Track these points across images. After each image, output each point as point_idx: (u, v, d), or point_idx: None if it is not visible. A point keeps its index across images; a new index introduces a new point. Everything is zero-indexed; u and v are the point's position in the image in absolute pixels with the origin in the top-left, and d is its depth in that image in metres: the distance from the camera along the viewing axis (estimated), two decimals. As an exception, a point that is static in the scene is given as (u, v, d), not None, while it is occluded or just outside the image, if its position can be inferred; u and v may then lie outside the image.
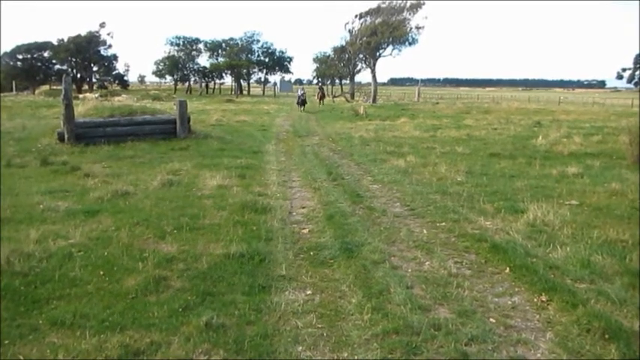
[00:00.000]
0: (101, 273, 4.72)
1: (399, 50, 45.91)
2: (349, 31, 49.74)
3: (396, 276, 4.78)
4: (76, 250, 5.29)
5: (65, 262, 4.97)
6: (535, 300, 4.31)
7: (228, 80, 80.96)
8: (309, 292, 4.51)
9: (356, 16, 47.99)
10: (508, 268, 4.99)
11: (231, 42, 75.25)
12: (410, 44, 45.41)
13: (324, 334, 3.74)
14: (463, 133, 18.63)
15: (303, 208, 7.54)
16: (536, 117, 27.76)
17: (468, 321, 3.89)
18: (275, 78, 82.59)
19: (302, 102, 34.28)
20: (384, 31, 43.31)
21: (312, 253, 5.50)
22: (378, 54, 46.32)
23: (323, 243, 5.84)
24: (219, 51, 75.80)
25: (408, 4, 43.67)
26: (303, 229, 6.48)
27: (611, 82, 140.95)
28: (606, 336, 3.62)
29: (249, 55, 75.21)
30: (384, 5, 44.89)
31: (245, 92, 74.98)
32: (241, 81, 76.93)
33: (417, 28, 44.57)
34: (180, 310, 4.02)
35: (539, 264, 5.06)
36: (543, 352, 3.50)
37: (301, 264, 5.19)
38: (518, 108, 39.15)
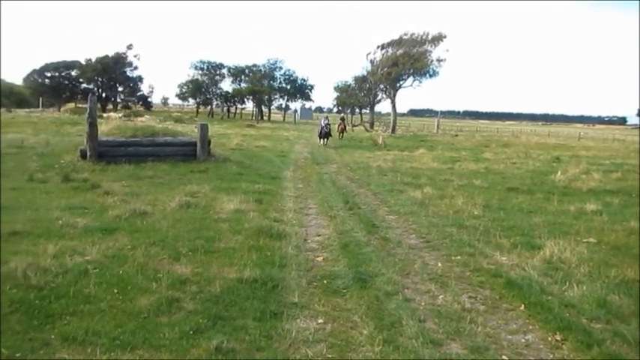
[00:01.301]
0: (115, 291, 4.77)
1: (420, 82, 46.29)
2: (371, 61, 50.45)
3: (409, 308, 4.75)
4: (92, 267, 5.36)
5: (80, 278, 5.04)
6: (549, 339, 4.24)
7: (249, 105, 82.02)
8: (320, 320, 4.49)
9: (378, 47, 48.68)
10: (523, 305, 4.93)
11: (255, 68, 76.44)
12: (431, 76, 45.79)
13: (334, 365, 3.72)
14: (481, 166, 18.56)
15: (319, 235, 7.55)
16: (555, 152, 27.55)
17: (481, 358, 3.84)
18: (296, 105, 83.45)
19: (325, 134, 27.40)
20: (405, 63, 43.74)
21: (325, 282, 5.49)
22: (398, 85, 46.69)
23: (337, 272, 5.83)
24: (242, 76, 76.98)
25: (430, 37, 44.18)
26: (318, 256, 6.48)
27: (632, 118, 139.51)
28: (621, 380, 3.54)
29: (272, 82, 76.24)
30: (405, 37, 45.48)
31: (265, 118, 75.82)
32: (262, 107, 77.88)
33: (438, 60, 45.00)
34: (191, 332, 4.04)
35: (554, 302, 4.98)
36: (556, 394, 3.43)
37: (314, 292, 5.18)
38: (538, 142, 38.94)
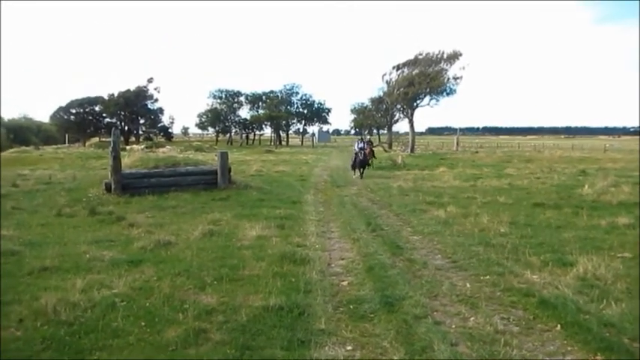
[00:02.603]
0: (142, 324, 4.74)
1: (437, 100, 46.16)
2: (387, 82, 50.62)
3: (440, 332, 4.61)
4: (119, 300, 5.36)
5: (108, 312, 5.03)
6: (590, 360, 4.06)
7: (267, 131, 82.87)
8: (349, 347, 4.39)
9: (393, 68, 48.88)
10: (559, 325, 4.76)
11: (271, 94, 77.49)
12: (448, 94, 45.66)
13: (366, 393, 3.61)
14: (504, 182, 18.30)
15: (342, 259, 7.46)
16: (580, 165, 27.09)
17: (518, 382, 3.68)
18: (313, 128, 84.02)
19: (360, 162, 21.23)
20: (422, 82, 43.77)
21: (351, 307, 5.39)
22: (415, 104, 46.68)
23: (363, 296, 5.73)
24: (260, 103, 78.05)
25: (445, 55, 44.23)
26: (343, 281, 6.39)
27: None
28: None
29: (289, 107, 77.08)
30: (421, 57, 45.61)
31: (284, 143, 76.41)
32: (280, 132, 78.58)
33: (455, 78, 44.91)
34: (219, 364, 3.97)
35: (592, 321, 4.79)
36: (602, 419, 3.26)
37: (341, 318, 5.08)
38: (562, 156, 38.34)
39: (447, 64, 44.22)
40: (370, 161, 23.38)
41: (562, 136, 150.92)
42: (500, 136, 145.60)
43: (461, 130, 65.46)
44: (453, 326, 4.80)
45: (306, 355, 4.16)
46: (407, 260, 7.27)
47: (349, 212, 11.90)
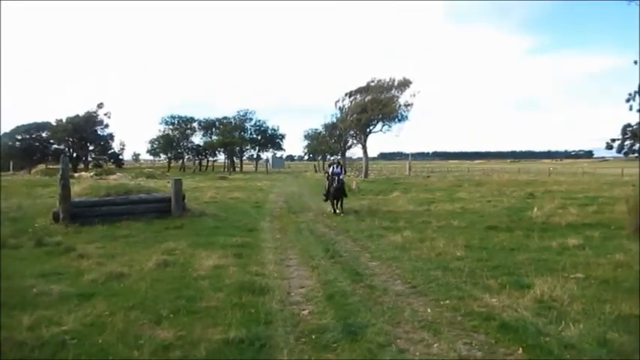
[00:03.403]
0: (93, 364, 4.46)
1: (389, 126, 47.04)
2: (340, 108, 51.26)
3: (405, 360, 4.55)
4: (70, 338, 5.04)
5: (58, 350, 4.73)
6: (553, 384, 4.08)
7: (221, 157, 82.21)
8: (313, 380, 4.25)
9: (346, 94, 49.60)
10: (521, 349, 4.79)
11: (225, 120, 77.16)
12: (399, 120, 46.61)
13: None
14: (457, 206, 18.67)
15: (302, 287, 7.33)
16: (528, 188, 28.01)
17: (486, 410, 3.65)
18: (267, 154, 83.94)
19: (336, 191, 17.18)
20: (374, 108, 44.58)
21: (314, 337, 5.26)
22: (368, 130, 47.41)
23: (325, 325, 5.61)
24: (213, 129, 77.50)
25: (396, 83, 45.30)
26: (303, 310, 6.25)
27: (599, 151, 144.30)
28: None
29: (242, 133, 76.82)
30: (373, 84, 46.55)
31: (238, 169, 75.83)
32: (234, 158, 78.06)
33: (406, 105, 45.96)
34: (178, 404, 3.76)
35: (552, 343, 4.86)
36: None
37: (304, 349, 4.95)
38: (510, 180, 39.64)
39: (398, 91, 45.30)
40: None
41: (508, 160, 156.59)
42: (450, 161, 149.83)
43: (412, 155, 66.75)
44: (417, 354, 4.76)
45: (270, 391, 4.00)
46: (367, 287, 7.22)
47: (306, 239, 11.80)
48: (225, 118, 77.75)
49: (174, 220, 14.15)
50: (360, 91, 47.77)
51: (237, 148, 76.05)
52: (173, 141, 76.16)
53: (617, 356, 4.52)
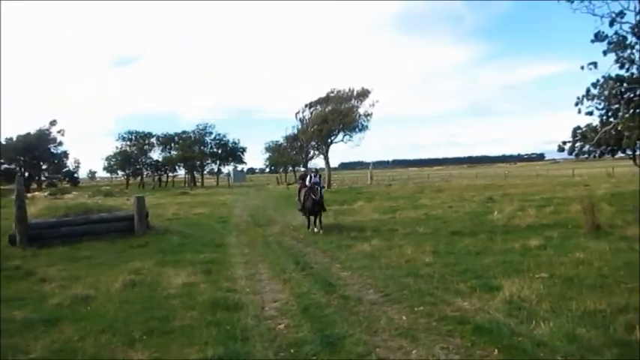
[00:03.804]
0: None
1: (350, 136, 47.54)
2: (300, 119, 51.54)
3: (386, 369, 4.58)
4: (38, 367, 4.85)
5: (26, 381, 4.52)
6: (530, 382, 4.19)
7: (181, 172, 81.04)
8: (296, 394, 4.23)
9: (306, 106, 49.95)
10: (496, 350, 4.89)
11: (184, 135, 76.20)
12: (360, 130, 47.17)
13: None
14: (421, 213, 18.98)
15: (276, 301, 7.28)
16: (487, 192, 28.75)
17: (469, 413, 3.71)
18: (229, 168, 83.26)
19: (314, 205, 15.03)
20: (335, 119, 44.99)
21: (292, 351, 5.23)
22: (330, 140, 47.75)
23: (302, 338, 5.58)
24: (172, 144, 76.38)
25: (355, 93, 45.88)
26: (279, 324, 6.21)
27: (550, 153, 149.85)
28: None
29: (202, 147, 76.04)
30: (332, 94, 47.04)
31: (199, 183, 74.89)
32: (195, 173, 77.09)
33: (366, 115, 46.58)
34: None
35: (525, 342, 4.99)
36: None
37: (283, 363, 4.91)
38: (469, 185, 40.63)
39: (357, 101, 45.90)
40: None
41: (465, 166, 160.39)
42: (410, 168, 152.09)
43: (372, 164, 67.45)
44: (397, 361, 4.80)
45: (254, 408, 3.95)
46: (341, 297, 7.23)
47: (275, 252, 11.75)
48: (184, 132, 76.98)
49: (137, 239, 13.84)
50: (319, 102, 48.16)
51: (198, 162, 75.21)
52: (131, 157, 74.63)
53: (587, 351, 4.67)
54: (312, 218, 15.25)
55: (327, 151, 48.61)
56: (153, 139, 76.56)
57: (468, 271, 8.43)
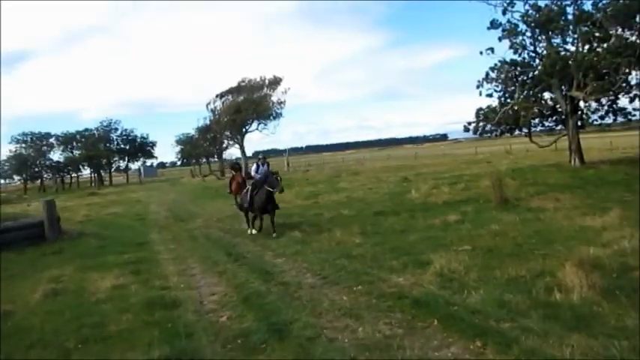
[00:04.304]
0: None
1: (265, 124, 47.32)
2: (212, 110, 50.41)
3: (337, 349, 4.71)
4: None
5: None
6: (471, 347, 4.49)
7: (86, 172, 76.56)
8: (252, 383, 4.24)
9: (217, 96, 48.95)
10: (436, 321, 5.17)
11: (87, 133, 71.90)
12: (274, 118, 47.07)
13: None
14: (342, 196, 19.39)
15: (214, 295, 7.18)
16: (401, 173, 29.85)
17: (423, 380, 3.92)
18: (138, 164, 79.82)
19: (266, 202, 11.85)
20: (248, 108, 44.53)
21: (239, 342, 5.22)
22: (244, 130, 47.23)
23: (247, 328, 5.58)
24: (74, 143, 71.79)
25: (267, 81, 45.62)
26: (221, 316, 6.15)
27: (452, 134, 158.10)
28: (548, 368, 3.86)
29: (108, 144, 72.26)
30: (244, 84, 46.41)
31: (107, 182, 71.23)
32: (101, 172, 73.21)
33: (279, 102, 46.50)
34: None
35: (461, 311, 5.32)
36: (500, 396, 3.62)
37: (233, 355, 4.89)
38: (383, 167, 41.92)
39: (270, 90, 45.68)
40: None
41: (376, 149, 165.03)
42: (323, 154, 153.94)
43: (288, 150, 67.59)
44: (346, 340, 4.93)
45: (213, 402, 3.91)
46: (280, 284, 7.28)
47: (203, 246, 11.54)
48: (86, 130, 72.52)
49: (50, 246, 12.97)
50: (231, 91, 47.39)
51: (104, 160, 71.40)
52: (28, 160, 69.14)
53: (516, 315, 5.07)
54: (256, 221, 12.62)
55: (242, 141, 48.09)
56: (52, 140, 71.47)
57: (397, 248, 8.78)
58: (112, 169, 76.26)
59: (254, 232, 12.43)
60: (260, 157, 13.72)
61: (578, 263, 5.95)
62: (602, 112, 23.80)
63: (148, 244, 12.49)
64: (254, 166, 13.30)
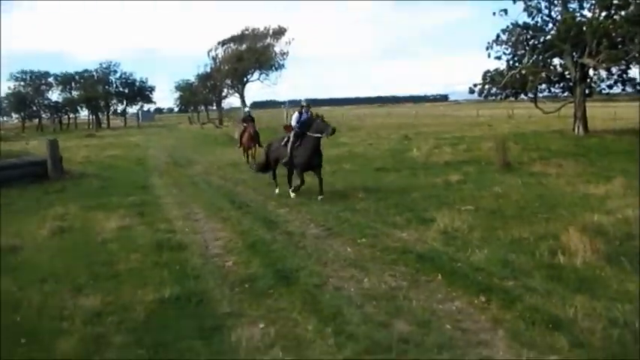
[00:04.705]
0: (23, 341, 4.14)
1: (267, 75, 46.69)
2: (213, 57, 49.60)
3: (343, 297, 4.83)
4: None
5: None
6: (475, 302, 4.62)
7: (84, 114, 75.82)
8: (261, 325, 4.36)
9: (219, 43, 48.02)
10: (440, 276, 5.29)
11: (86, 74, 70.64)
12: (276, 69, 46.40)
13: (297, 367, 3.66)
14: (344, 150, 19.36)
15: (218, 240, 7.29)
16: (402, 131, 29.70)
17: (428, 330, 4.06)
18: (136, 108, 78.90)
19: (312, 155, 10.06)
20: (250, 57, 43.79)
21: (247, 285, 5.33)
22: (245, 79, 46.64)
23: (254, 274, 5.70)
24: (73, 84, 70.69)
25: (271, 31, 44.70)
26: (227, 261, 6.27)
27: (453, 95, 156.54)
28: (550, 326, 3.99)
29: (107, 87, 71.20)
30: (247, 32, 45.46)
31: (104, 125, 70.67)
32: (99, 114, 72.50)
33: (282, 53, 45.72)
34: (136, 367, 3.68)
35: (465, 268, 5.44)
36: (504, 349, 3.76)
37: (242, 298, 5.00)
38: (383, 123, 41.68)
39: (273, 40, 44.80)
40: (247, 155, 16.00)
41: (376, 105, 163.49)
42: (323, 107, 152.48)
43: (288, 102, 66.90)
44: (352, 290, 5.06)
45: (225, 341, 4.05)
46: (285, 233, 7.39)
47: (206, 192, 11.62)
48: (86, 71, 71.10)
49: (53, 184, 13.03)
50: (234, 39, 46.49)
51: (102, 103, 70.57)
52: (26, 99, 68.20)
53: (520, 274, 5.19)
54: (295, 181, 10.40)
55: (242, 90, 47.58)
56: (50, 79, 70.25)
57: (399, 205, 8.86)
58: (110, 112, 75.50)
59: (292, 194, 10.17)
60: (303, 103, 11.13)
61: (581, 228, 6.08)
62: (610, 82, 23.55)
63: (149, 188, 12.56)
64: (294, 115, 10.88)
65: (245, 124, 16.59)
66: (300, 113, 10.79)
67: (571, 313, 4.19)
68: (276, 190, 10.78)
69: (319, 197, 9.67)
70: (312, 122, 10.24)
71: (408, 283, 5.18)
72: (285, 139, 10.63)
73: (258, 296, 5.03)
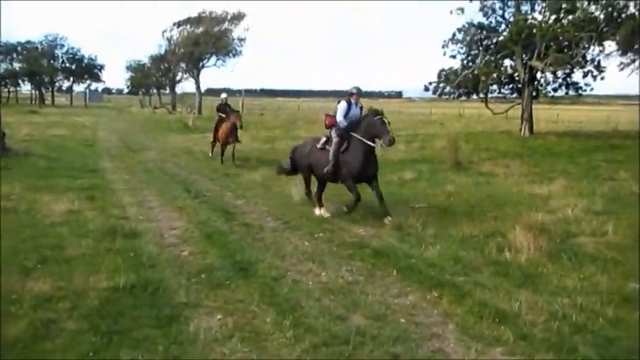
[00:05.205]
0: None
1: (224, 61, 46.00)
2: (167, 39, 48.35)
3: (302, 290, 4.91)
4: None
5: None
6: (428, 297, 4.80)
7: (26, 88, 72.35)
8: (219, 316, 4.36)
9: (174, 24, 46.83)
10: (395, 271, 5.45)
11: (29, 45, 67.27)
12: (234, 55, 45.78)
13: (255, 358, 3.70)
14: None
15: (174, 229, 7.19)
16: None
17: (384, 324, 4.19)
18: (83, 87, 76.05)
19: (367, 164, 7.70)
20: (207, 42, 42.98)
21: (203, 276, 5.31)
22: (201, 64, 45.76)
23: (211, 264, 5.68)
24: (15, 55, 67.17)
25: (230, 15, 44.01)
26: (183, 251, 6.21)
27: (407, 92, 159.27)
28: (497, 319, 4.22)
29: (52, 62, 68.13)
30: (204, 15, 44.51)
31: (48, 102, 67.69)
32: (43, 90, 69.36)
33: (240, 39, 45.14)
34: (91, 354, 3.62)
35: (419, 264, 5.64)
36: (454, 342, 3.94)
37: (198, 288, 4.98)
38: (338, 118, 41.84)
39: (231, 25, 44.13)
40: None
41: (330, 99, 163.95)
42: (278, 98, 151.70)
43: (243, 91, 66.17)
44: (310, 283, 5.14)
45: (183, 330, 4.04)
46: (242, 225, 7.38)
47: (160, 179, 11.42)
48: (29, 42, 67.72)
49: (-6, 162, 12.42)
50: (190, 21, 45.45)
51: (47, 78, 67.53)
52: (-39, 68, 64.47)
53: (470, 270, 5.43)
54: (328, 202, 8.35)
55: (198, 75, 46.66)
56: (-11, 48, 66.57)
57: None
58: (55, 89, 72.43)
59: (326, 214, 7.89)
60: (354, 91, 8.16)
61: (526, 227, 6.39)
62: (555, 85, 24.63)
63: (100, 172, 12.22)
64: (342, 106, 8.03)
65: (221, 114, 14.35)
66: (349, 104, 8.02)
67: (516, 307, 4.45)
68: (317, 211, 8.00)
69: (386, 220, 7.30)
70: (365, 120, 7.70)
71: (364, 278, 5.31)
72: (324, 140, 8.24)
73: (216, 287, 5.02)
